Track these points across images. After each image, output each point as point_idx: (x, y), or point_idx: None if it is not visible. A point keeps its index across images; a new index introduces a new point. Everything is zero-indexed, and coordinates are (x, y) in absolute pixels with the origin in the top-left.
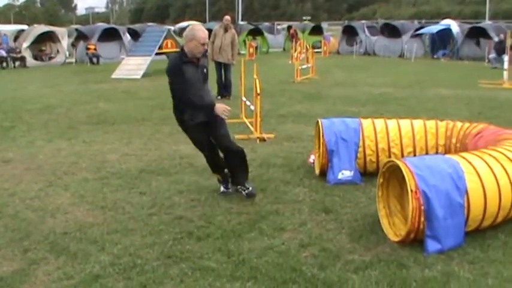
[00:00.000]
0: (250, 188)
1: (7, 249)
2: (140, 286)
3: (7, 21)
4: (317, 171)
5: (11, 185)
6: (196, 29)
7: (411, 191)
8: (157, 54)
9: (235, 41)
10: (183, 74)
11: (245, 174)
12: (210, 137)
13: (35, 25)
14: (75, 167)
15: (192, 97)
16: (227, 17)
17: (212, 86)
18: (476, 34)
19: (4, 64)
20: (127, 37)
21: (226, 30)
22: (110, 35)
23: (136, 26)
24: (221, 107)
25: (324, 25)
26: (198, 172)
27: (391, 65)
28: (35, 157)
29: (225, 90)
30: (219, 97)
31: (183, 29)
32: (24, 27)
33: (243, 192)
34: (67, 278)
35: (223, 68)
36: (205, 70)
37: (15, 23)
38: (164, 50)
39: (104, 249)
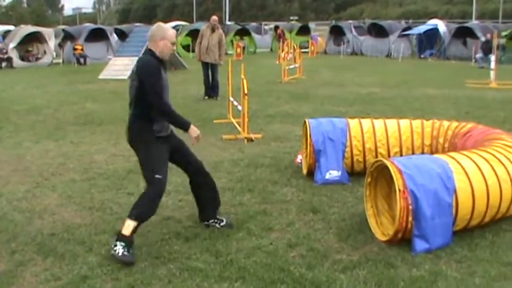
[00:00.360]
0: (225, 220)
1: None
2: (128, 287)
3: None
4: (304, 171)
5: None
6: (165, 27)
7: (399, 190)
8: None
9: (223, 41)
10: (161, 75)
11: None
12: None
13: (22, 25)
14: (63, 167)
15: (167, 103)
16: (214, 17)
17: (199, 87)
18: (463, 34)
19: None
20: (114, 37)
21: (213, 30)
22: (97, 35)
23: (124, 27)
24: (197, 131)
25: (311, 25)
26: None
27: (378, 64)
28: (22, 158)
29: (212, 91)
30: (206, 97)
31: None
32: (11, 27)
33: (218, 225)
34: (55, 279)
35: (210, 68)
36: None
37: (2, 23)
38: None
39: (91, 250)
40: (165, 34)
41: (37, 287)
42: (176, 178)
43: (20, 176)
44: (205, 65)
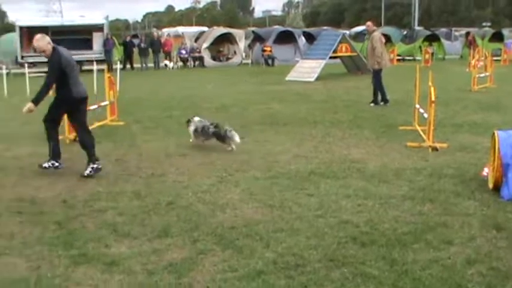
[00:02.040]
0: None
1: (178, 237)
2: (301, 286)
3: (189, 24)
4: (490, 185)
5: (185, 178)
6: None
7: None
8: (331, 58)
9: (374, 45)
10: None
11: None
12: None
13: (214, 27)
14: (247, 164)
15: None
16: (367, 23)
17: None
18: None
19: (183, 64)
20: (302, 40)
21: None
22: (285, 37)
23: (312, 30)
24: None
25: (505, 32)
26: (367, 178)
27: None
28: (209, 153)
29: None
30: (382, 103)
31: (358, 33)
32: (205, 29)
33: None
34: (231, 271)
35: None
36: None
37: (197, 25)
38: (338, 54)
39: (268, 247)
40: None
41: (214, 276)
42: (357, 182)
43: (206, 170)
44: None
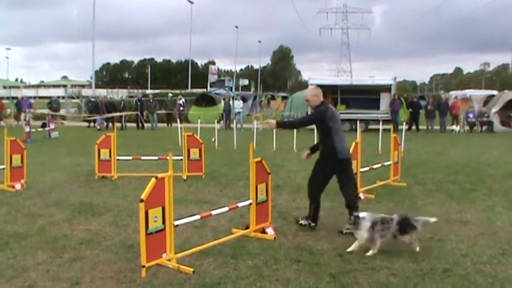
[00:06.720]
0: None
1: None
2: None
3: (478, 87)
4: None
5: (464, 246)
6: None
7: None
8: None
9: None
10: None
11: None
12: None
13: (505, 91)
14: None
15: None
16: None
17: None
18: None
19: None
20: None
21: None
22: None
23: None
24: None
25: None
26: None
27: None
28: (492, 223)
29: None
30: None
31: None
32: (494, 92)
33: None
34: None
35: None
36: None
37: (486, 88)
38: None
39: None
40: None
41: None
42: None
43: (488, 240)
44: None
